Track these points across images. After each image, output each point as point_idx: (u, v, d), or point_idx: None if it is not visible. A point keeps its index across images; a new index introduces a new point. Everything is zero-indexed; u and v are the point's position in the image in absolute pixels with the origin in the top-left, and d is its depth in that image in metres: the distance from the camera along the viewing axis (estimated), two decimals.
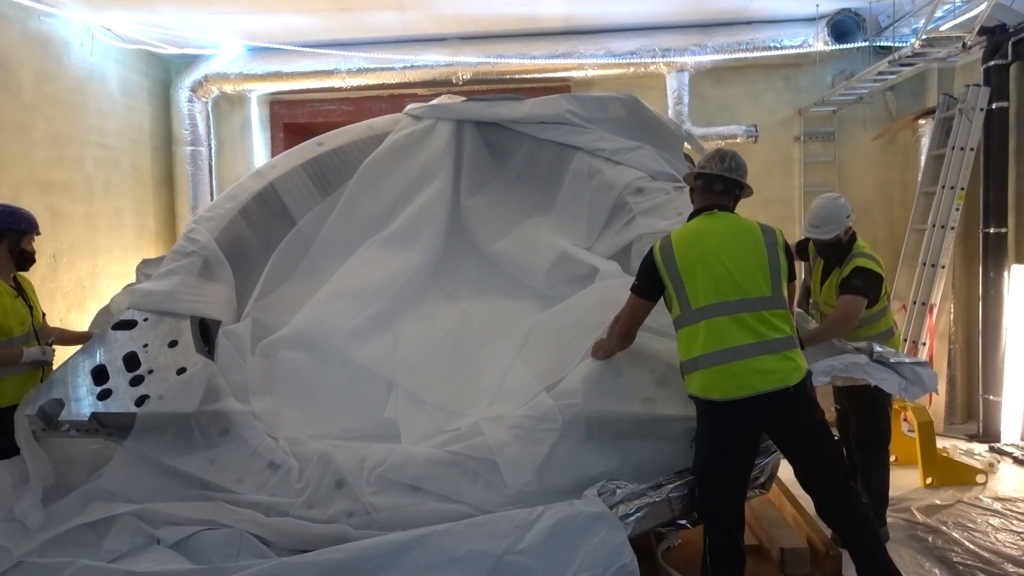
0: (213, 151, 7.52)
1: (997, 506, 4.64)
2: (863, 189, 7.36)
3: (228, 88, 7.33)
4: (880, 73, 6.41)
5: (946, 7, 5.84)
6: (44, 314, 4.19)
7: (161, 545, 3.12)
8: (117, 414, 3.49)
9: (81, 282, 6.18)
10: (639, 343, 3.28)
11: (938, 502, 4.72)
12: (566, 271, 4.24)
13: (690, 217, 3.27)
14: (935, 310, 6.09)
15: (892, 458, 5.47)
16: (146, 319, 3.93)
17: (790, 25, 6.97)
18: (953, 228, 6.01)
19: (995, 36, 5.89)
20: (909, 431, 5.54)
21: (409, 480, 3.17)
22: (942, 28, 5.80)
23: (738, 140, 7.08)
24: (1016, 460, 5.50)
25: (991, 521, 4.41)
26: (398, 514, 3.08)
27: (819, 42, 6.81)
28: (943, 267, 6.03)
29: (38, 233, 4.06)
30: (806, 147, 7.40)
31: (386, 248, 4.50)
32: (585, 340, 3.50)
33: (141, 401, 3.51)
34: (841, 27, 6.77)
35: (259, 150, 7.73)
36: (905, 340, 6.22)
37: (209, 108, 7.45)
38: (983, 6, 5.34)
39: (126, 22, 6.47)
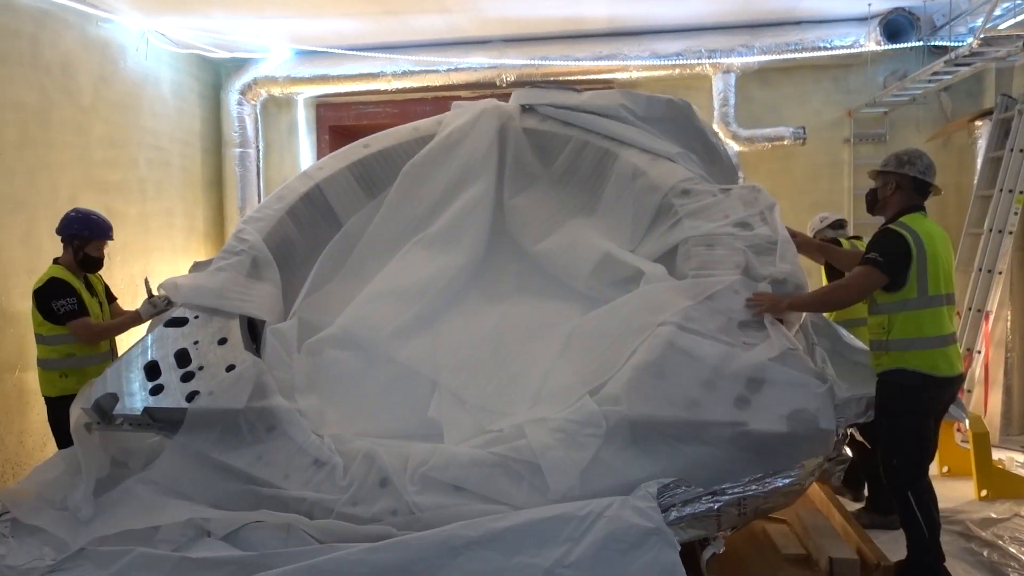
0: (261, 153, 7.67)
1: None
2: None
3: (276, 91, 7.47)
4: (935, 73, 6.23)
5: (1005, 5, 5.67)
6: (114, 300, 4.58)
7: (212, 537, 3.18)
8: (168, 409, 3.58)
9: (134, 280, 6.35)
10: (686, 344, 3.24)
11: (994, 515, 4.56)
12: (610, 273, 4.21)
13: (898, 214, 3.58)
14: (991, 317, 5.89)
15: (944, 469, 5.35)
16: (196, 317, 4.02)
17: (840, 25, 6.83)
18: (1011, 233, 5.81)
19: None
20: (963, 442, 5.37)
21: (452, 480, 3.17)
22: (1001, 27, 5.63)
23: (785, 142, 6.96)
24: None
25: None
26: (441, 514, 3.08)
27: (871, 42, 6.66)
28: (1000, 273, 5.83)
29: (109, 238, 4.36)
30: (856, 149, 7.23)
31: (429, 248, 4.52)
32: (630, 343, 3.47)
33: (191, 397, 3.58)
34: (894, 26, 6.61)
35: (305, 152, 7.86)
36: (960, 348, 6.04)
37: (258, 111, 7.61)
38: None
39: (179, 27, 6.65)
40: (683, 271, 3.85)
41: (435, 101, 7.58)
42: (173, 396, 3.62)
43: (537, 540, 2.74)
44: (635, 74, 7.02)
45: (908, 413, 3.41)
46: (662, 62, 6.87)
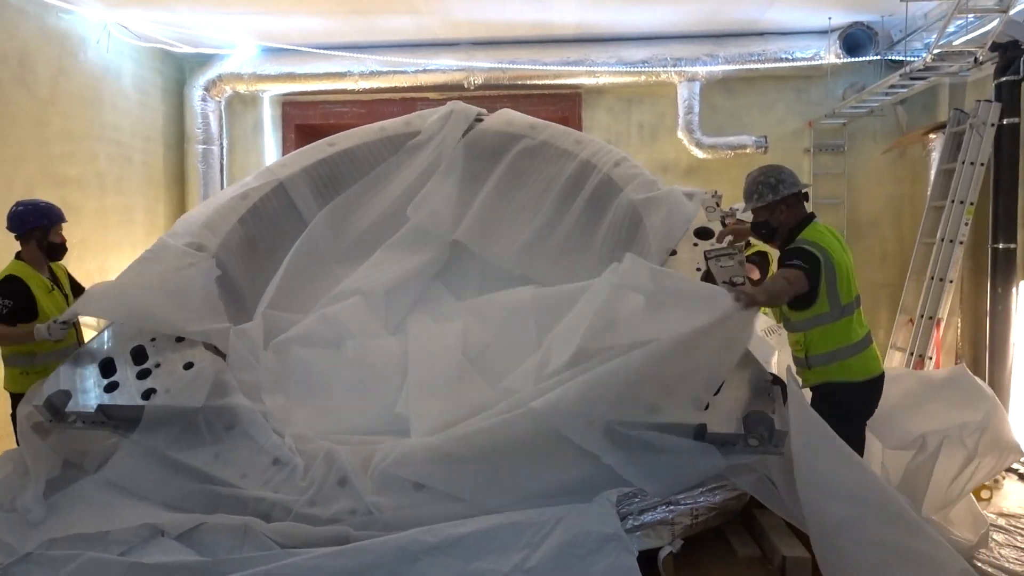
0: (225, 150, 7.58)
1: (1002, 522, 4.60)
2: (873, 202, 7.36)
3: (241, 88, 7.39)
4: (892, 86, 6.41)
5: (959, 22, 5.85)
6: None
7: (166, 537, 3.13)
8: (123, 407, 3.51)
9: (91, 276, 6.20)
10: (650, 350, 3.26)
11: (935, 518, 4.69)
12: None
13: (793, 231, 3.56)
14: (943, 324, 6.07)
15: None
16: None
17: (802, 37, 6.99)
18: (962, 243, 6.00)
19: (1007, 52, 5.88)
20: None
21: (412, 476, 3.17)
22: (955, 43, 5.81)
23: (748, 151, 7.10)
24: (1021, 476, 5.47)
25: (995, 537, 4.37)
26: (400, 514, 3.08)
27: (831, 55, 6.83)
28: (951, 281, 6.01)
29: (64, 221, 4.25)
30: (816, 159, 7.40)
31: (397, 250, 4.54)
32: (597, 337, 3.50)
33: (148, 395, 3.52)
34: (853, 40, 6.79)
35: (270, 150, 7.78)
36: (911, 354, 6.21)
37: (222, 107, 7.51)
38: (995, 22, 5.34)
39: (142, 20, 6.54)
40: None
41: (402, 102, 7.57)
42: (128, 394, 3.55)
43: (496, 546, 2.74)
44: (602, 80, 7.10)
45: (843, 422, 3.17)
46: (629, 69, 6.96)
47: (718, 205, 4.30)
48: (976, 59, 5.52)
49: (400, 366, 3.91)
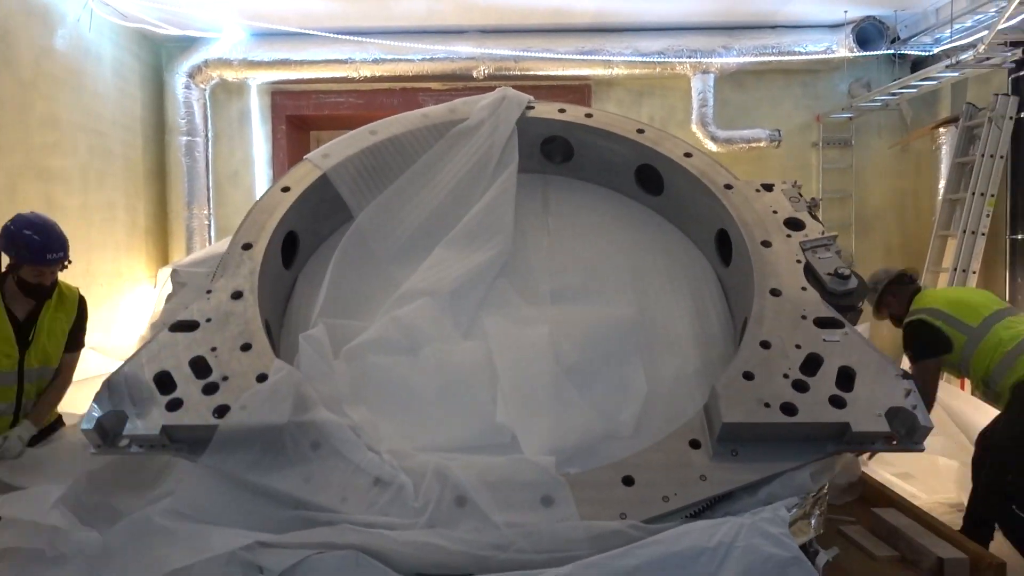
0: (211, 143, 6.99)
1: None
2: (878, 196, 7.44)
3: (229, 75, 6.84)
4: (906, 86, 6.49)
5: (978, 17, 5.94)
6: (80, 346, 3.68)
7: (266, 574, 2.73)
8: (193, 427, 3.06)
9: (75, 281, 5.57)
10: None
11: None
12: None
13: (907, 308, 4.07)
14: None
15: None
16: (208, 320, 3.50)
17: (814, 31, 6.98)
18: (984, 234, 6.09)
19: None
20: None
21: (542, 493, 2.89)
22: (976, 37, 5.90)
23: (762, 144, 7.05)
24: None
25: None
26: (536, 534, 2.79)
27: (843, 48, 6.84)
28: (974, 272, 6.10)
29: (44, 264, 3.34)
30: (824, 153, 7.42)
31: (454, 248, 4.19)
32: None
33: (221, 412, 3.09)
34: (864, 34, 6.82)
35: (259, 143, 7.25)
36: None
37: (207, 96, 6.93)
38: (1019, 17, 5.42)
39: None
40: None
41: (403, 92, 7.20)
42: (196, 412, 3.09)
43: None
44: (616, 71, 6.91)
45: None
46: (644, 59, 6.79)
47: (800, 195, 4.15)
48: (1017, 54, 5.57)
49: (485, 372, 3.58)
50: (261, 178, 7.30)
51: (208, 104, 6.95)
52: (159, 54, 6.96)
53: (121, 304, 6.03)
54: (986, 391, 3.80)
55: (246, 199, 7.15)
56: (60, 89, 5.44)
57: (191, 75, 6.74)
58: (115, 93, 6.24)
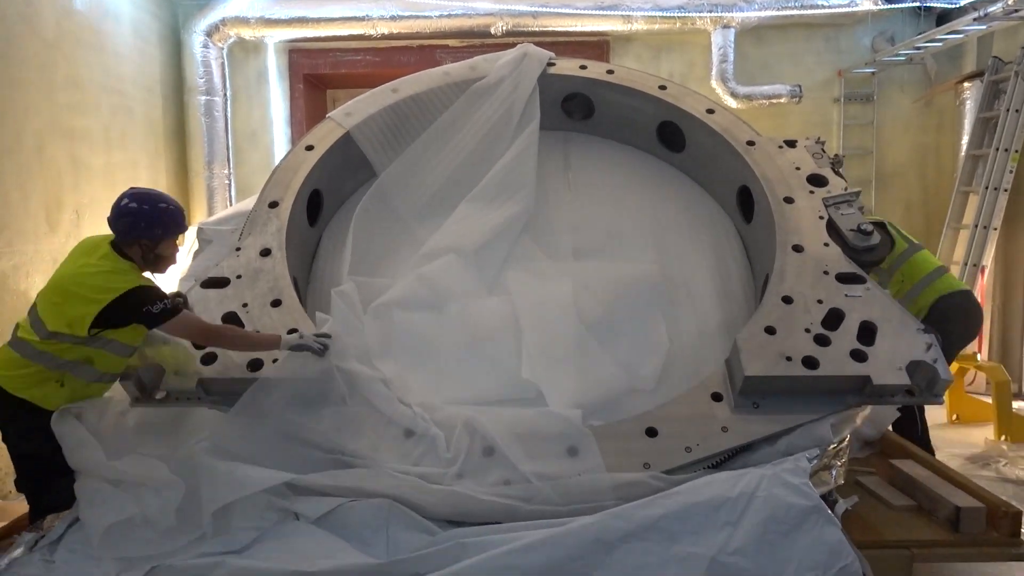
0: (229, 101, 6.99)
1: None
2: (899, 152, 7.36)
3: (247, 33, 6.81)
4: (931, 40, 6.37)
5: None
6: None
7: (302, 520, 2.85)
8: (227, 380, 3.17)
9: None
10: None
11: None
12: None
13: None
14: (986, 271, 6.14)
15: (954, 417, 5.56)
16: (239, 276, 3.59)
17: None
18: (1007, 190, 6.04)
19: None
20: (970, 390, 5.61)
21: (568, 444, 2.98)
22: None
23: (783, 100, 6.97)
24: None
25: None
26: (562, 484, 2.88)
27: (867, 1, 6.71)
28: (995, 229, 6.07)
29: (179, 231, 3.15)
30: (846, 109, 7.33)
31: (478, 203, 4.21)
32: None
33: (254, 365, 3.19)
34: None
35: (277, 102, 7.25)
36: None
37: (224, 55, 6.91)
38: None
39: None
40: None
41: (420, 50, 7.14)
42: (231, 365, 3.21)
43: (693, 526, 2.59)
44: (635, 26, 6.82)
45: (956, 334, 3.94)
46: (663, 14, 6.69)
47: (823, 151, 4.13)
48: None
49: (509, 328, 3.64)
50: (280, 137, 7.32)
51: (226, 63, 6.94)
52: (176, 13, 6.93)
53: None
54: (905, 301, 3.97)
55: (265, 159, 7.19)
56: (82, 49, 5.45)
57: (208, 34, 6.72)
58: (134, 53, 6.25)
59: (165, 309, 2.96)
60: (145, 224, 3.01)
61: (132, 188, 3.12)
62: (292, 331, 3.28)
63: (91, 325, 2.91)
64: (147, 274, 3.13)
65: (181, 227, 3.14)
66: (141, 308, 2.93)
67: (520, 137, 4.36)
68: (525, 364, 3.42)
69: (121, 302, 2.91)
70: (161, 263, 3.15)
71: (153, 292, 3.01)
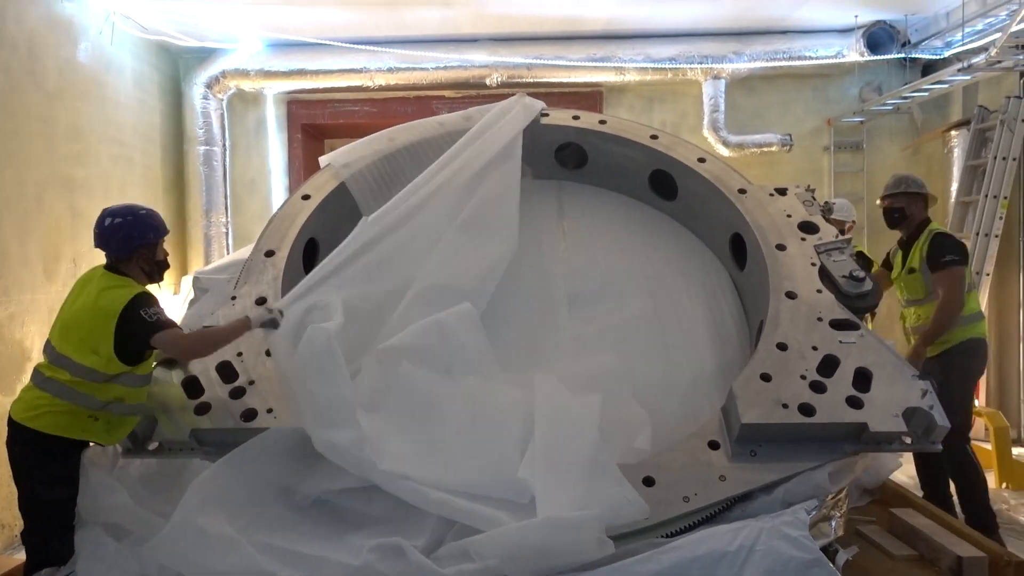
0: (228, 152, 7.09)
1: None
2: None
3: (246, 85, 6.94)
4: (917, 90, 6.54)
5: (989, 21, 5.98)
6: None
7: None
8: (221, 431, 3.15)
9: None
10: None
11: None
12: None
13: (922, 224, 4.50)
14: None
15: None
16: None
17: (825, 36, 7.02)
18: (997, 236, 6.11)
19: None
20: None
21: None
22: (978, 43, 5.94)
23: (773, 148, 7.10)
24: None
25: None
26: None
27: (854, 53, 6.88)
28: (988, 275, 6.11)
29: (167, 232, 3.27)
30: (836, 157, 7.46)
31: (465, 233, 4.09)
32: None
33: (249, 416, 3.16)
34: (875, 39, 6.86)
35: (275, 152, 7.36)
36: None
37: (224, 106, 7.03)
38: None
39: (146, 10, 6.05)
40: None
41: (417, 101, 7.28)
42: (224, 415, 3.18)
43: None
44: (627, 77, 6.97)
45: (977, 372, 4.34)
46: (655, 65, 6.85)
47: (814, 199, 4.19)
48: None
49: (522, 423, 3.30)
50: (278, 186, 7.40)
51: (225, 114, 7.06)
52: (177, 65, 7.08)
53: None
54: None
55: (263, 207, 7.25)
56: (83, 101, 5.55)
57: (208, 85, 6.85)
58: (135, 104, 6.35)
59: (160, 318, 3.01)
60: (139, 232, 3.10)
61: (105, 208, 3.18)
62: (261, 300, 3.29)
63: (114, 349, 2.95)
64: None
65: (165, 228, 3.25)
66: (139, 311, 2.96)
67: (499, 171, 4.29)
68: (524, 464, 3.04)
69: (130, 309, 2.95)
70: (160, 269, 3.25)
71: (152, 298, 3.09)
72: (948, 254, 4.20)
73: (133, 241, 3.07)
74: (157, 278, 3.23)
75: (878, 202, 4.72)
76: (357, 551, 2.74)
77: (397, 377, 3.35)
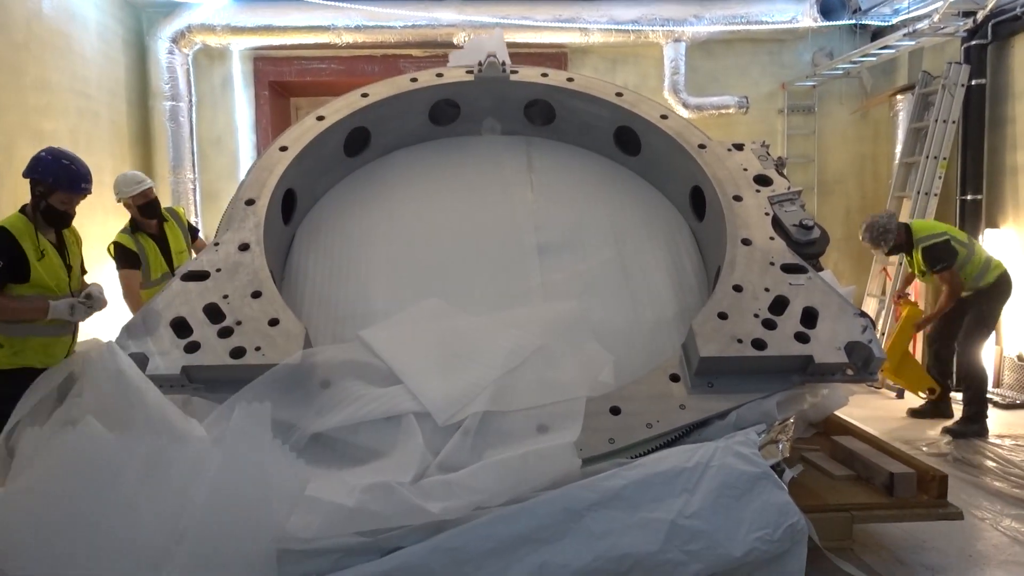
0: (194, 107, 7.07)
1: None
2: (839, 161, 7.82)
3: (212, 40, 6.91)
4: (866, 54, 6.84)
5: None
6: (85, 272, 3.90)
7: None
8: (211, 367, 3.30)
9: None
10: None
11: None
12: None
13: (907, 232, 5.54)
14: None
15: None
16: (219, 270, 3.71)
17: (780, 1, 7.27)
18: (936, 195, 6.49)
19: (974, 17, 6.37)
20: None
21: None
22: (924, 10, 6.27)
23: (731, 110, 7.36)
24: (996, 405, 6.06)
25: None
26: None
27: (807, 18, 7.15)
28: None
29: (79, 193, 3.67)
30: (789, 120, 7.76)
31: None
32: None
33: (237, 353, 3.32)
34: (827, 5, 7.14)
35: (242, 109, 7.34)
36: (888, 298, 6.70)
37: (190, 61, 6.99)
38: None
39: None
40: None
41: (384, 59, 7.34)
42: (214, 353, 3.33)
43: (655, 494, 2.81)
44: (592, 38, 7.13)
45: (1004, 301, 5.46)
46: (618, 27, 7.02)
47: (768, 154, 4.46)
48: (975, 20, 5.92)
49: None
50: (245, 144, 7.40)
51: (191, 69, 7.03)
52: (140, 19, 6.99)
53: (110, 265, 6.15)
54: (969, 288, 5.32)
55: (230, 164, 7.27)
56: (50, 52, 5.50)
57: (174, 40, 6.80)
58: (100, 58, 6.30)
59: None
60: (42, 168, 3.55)
61: (52, 146, 3.66)
62: (273, 321, 3.44)
63: None
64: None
65: (76, 186, 3.63)
66: None
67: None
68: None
69: None
70: (52, 214, 3.61)
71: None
72: (939, 263, 5.27)
73: (33, 172, 3.55)
74: (48, 221, 3.63)
75: (873, 251, 6.16)
76: (350, 491, 2.93)
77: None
